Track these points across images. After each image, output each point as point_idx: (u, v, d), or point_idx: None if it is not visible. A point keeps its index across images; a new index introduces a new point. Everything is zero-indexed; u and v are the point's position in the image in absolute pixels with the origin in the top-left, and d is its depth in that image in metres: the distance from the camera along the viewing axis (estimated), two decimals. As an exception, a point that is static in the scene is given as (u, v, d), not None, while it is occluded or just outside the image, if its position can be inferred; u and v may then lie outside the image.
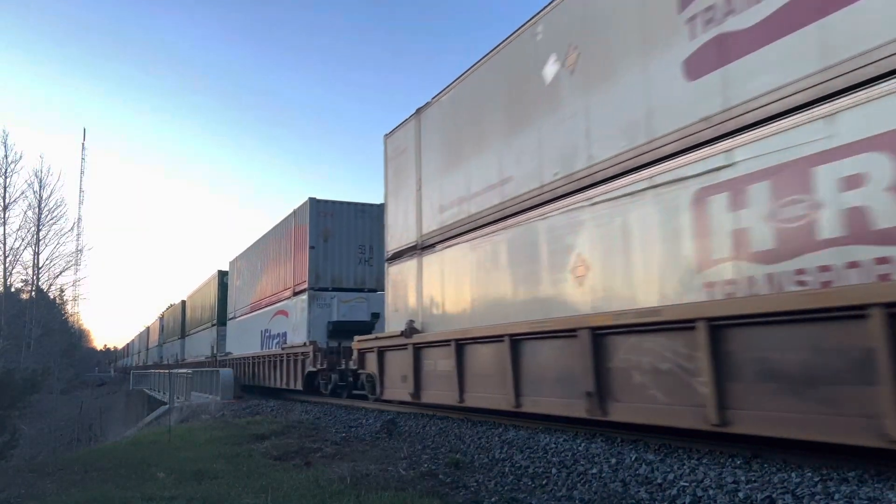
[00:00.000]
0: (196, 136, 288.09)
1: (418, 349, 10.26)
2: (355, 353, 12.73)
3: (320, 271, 16.66)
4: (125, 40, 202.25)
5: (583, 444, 6.76)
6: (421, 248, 10.69)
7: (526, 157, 8.05)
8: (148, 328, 62.26)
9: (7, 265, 40.09)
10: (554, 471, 6.09)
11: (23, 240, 41.46)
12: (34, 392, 18.75)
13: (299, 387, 16.43)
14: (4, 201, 39.40)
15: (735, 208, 5.37)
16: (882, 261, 4.36)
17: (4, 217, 39.61)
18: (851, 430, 4.41)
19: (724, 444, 5.91)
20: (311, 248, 16.60)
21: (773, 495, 4.42)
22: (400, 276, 11.45)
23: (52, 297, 52.31)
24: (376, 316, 16.73)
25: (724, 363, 5.28)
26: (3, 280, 40.08)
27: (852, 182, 4.55)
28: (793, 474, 4.76)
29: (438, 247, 10.16)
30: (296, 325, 17.33)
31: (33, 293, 44.71)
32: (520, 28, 8.34)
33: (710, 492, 4.76)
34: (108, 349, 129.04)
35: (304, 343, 15.88)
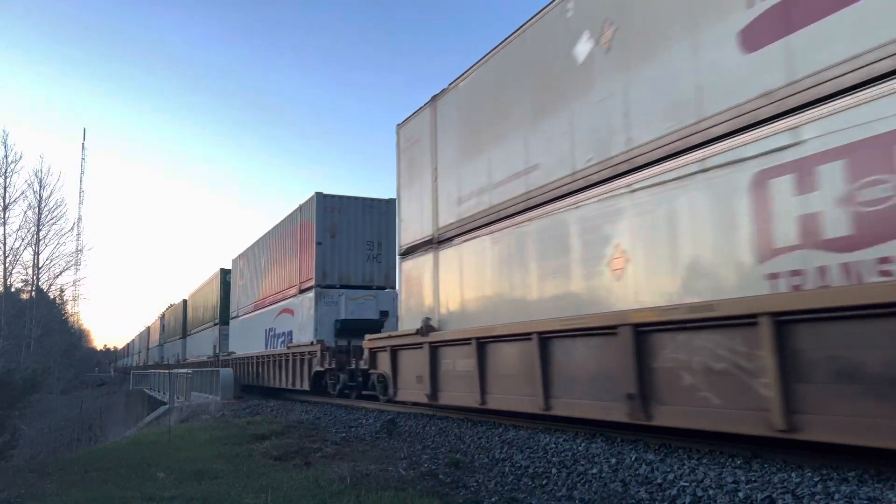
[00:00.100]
0: (196, 135, 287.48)
1: (435, 348, 9.75)
2: (366, 353, 12.21)
3: (327, 268, 16.14)
4: (125, 40, 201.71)
5: (583, 444, 6.69)
6: (437, 242, 10.17)
7: (555, 143, 7.53)
8: (148, 328, 61.78)
9: (7, 265, 39.85)
10: (554, 471, 6.05)
11: (23, 240, 41.24)
12: (34, 392, 18.73)
13: (306, 387, 15.92)
14: (4, 201, 39.13)
15: (803, 191, 4.85)
16: None
17: (4, 217, 39.35)
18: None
19: (724, 444, 5.83)
20: (318, 244, 16.09)
21: (773, 495, 4.39)
22: (414, 272, 10.94)
23: (52, 297, 52.03)
24: (385, 314, 16.23)
25: (792, 362, 4.76)
26: (3, 280, 39.83)
27: (948, 158, 4.04)
28: (793, 474, 4.72)
29: (456, 240, 9.65)
30: (302, 323, 16.81)
31: (33, 293, 44.42)
32: (547, 6, 7.82)
33: (710, 492, 4.73)
34: (109, 349, 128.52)
35: (311, 342, 15.36)
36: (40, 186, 42.00)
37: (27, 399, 17.06)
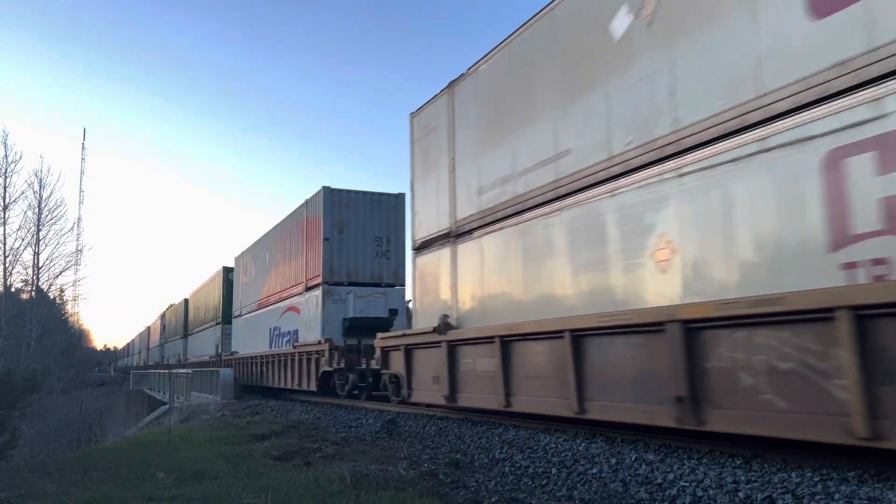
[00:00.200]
0: (197, 135, 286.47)
1: (454, 347, 9.23)
2: (378, 352, 11.69)
3: (335, 265, 15.62)
4: (125, 40, 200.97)
5: (583, 444, 6.64)
6: (455, 236, 9.65)
7: (589, 127, 7.01)
8: (149, 328, 61.30)
9: (7, 265, 39.70)
10: (554, 471, 6.02)
11: (23, 240, 41.14)
12: (34, 392, 19.04)
13: (313, 388, 15.40)
14: (4, 201, 38.97)
15: (887, 170, 4.33)
16: None
17: (4, 217, 39.17)
18: None
19: (724, 444, 5.76)
20: (326, 240, 15.56)
21: (773, 495, 4.38)
22: (430, 267, 10.42)
23: (52, 297, 51.86)
24: (395, 312, 15.72)
25: (876, 362, 4.24)
26: (3, 280, 39.68)
27: None
28: (793, 474, 4.69)
29: (476, 233, 9.12)
30: (308, 322, 16.29)
31: (33, 293, 44.23)
32: (578, -20, 7.30)
33: (710, 492, 4.71)
34: (109, 349, 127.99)
35: (319, 341, 14.83)
36: (40, 186, 41.85)
37: (27, 399, 17.21)
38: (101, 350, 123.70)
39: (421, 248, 10.75)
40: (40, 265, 43.00)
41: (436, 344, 9.58)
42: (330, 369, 14.26)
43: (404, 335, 10.78)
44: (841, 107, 4.63)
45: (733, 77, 5.41)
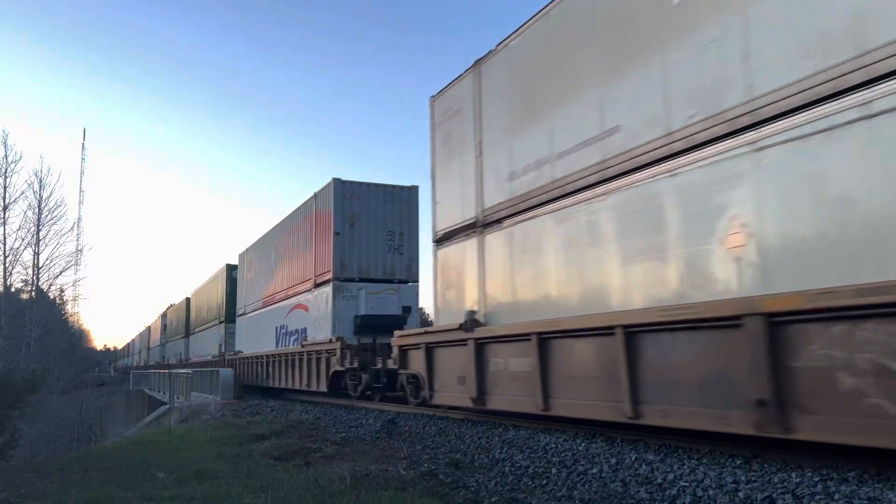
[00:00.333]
0: (197, 134, 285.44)
1: (482, 345, 8.55)
2: (396, 351, 11.01)
3: (346, 260, 14.92)
4: (125, 40, 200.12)
5: (583, 444, 6.61)
6: (482, 226, 8.96)
7: (642, 100, 6.32)
8: (149, 327, 60.66)
9: (7, 265, 39.27)
10: (554, 471, 6.01)
11: (23, 240, 40.64)
12: (34, 392, 18.46)
13: (323, 388, 14.71)
14: (4, 201, 38.46)
15: None
16: None
17: (4, 217, 38.67)
18: None
19: (724, 444, 5.70)
20: (336, 234, 14.85)
21: (773, 495, 4.36)
22: (453, 260, 9.73)
23: (52, 297, 51.41)
24: (408, 310, 15.02)
25: None
26: (3, 280, 39.30)
27: None
28: (793, 474, 4.67)
29: (507, 222, 8.44)
30: (317, 319, 15.60)
31: (33, 293, 43.85)
32: (627, -60, 6.61)
33: (710, 492, 4.69)
34: (109, 349, 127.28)
35: (330, 339, 14.13)
36: (40, 186, 41.33)
37: (27, 399, 16.79)
38: (101, 350, 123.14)
39: (442, 239, 10.06)
40: (40, 265, 42.55)
41: (461, 342, 8.90)
42: (341, 369, 13.56)
43: (426, 333, 10.09)
44: (970, 61, 3.95)
45: (825, 35, 4.73)
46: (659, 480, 5.16)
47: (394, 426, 9.58)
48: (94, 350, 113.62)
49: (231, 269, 26.86)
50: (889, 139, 4.33)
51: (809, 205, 4.80)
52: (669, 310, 5.68)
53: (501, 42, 8.73)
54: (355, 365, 13.05)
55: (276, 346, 18.84)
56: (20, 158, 55.39)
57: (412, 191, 15.75)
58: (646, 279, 6.21)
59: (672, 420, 5.75)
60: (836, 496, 4.13)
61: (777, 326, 4.81)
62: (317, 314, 15.66)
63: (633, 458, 5.78)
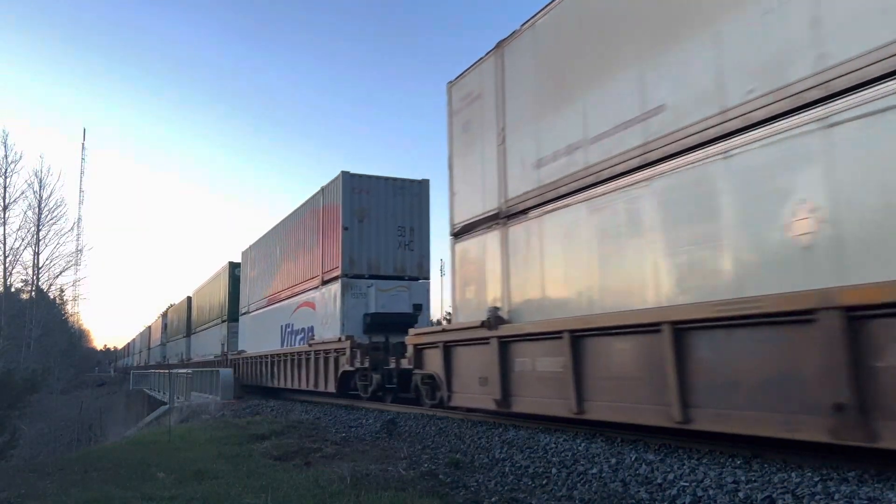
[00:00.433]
0: (197, 134, 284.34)
1: (506, 343, 8.04)
2: (410, 350, 10.50)
3: (355, 256, 14.40)
4: (125, 40, 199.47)
5: (583, 444, 6.58)
6: (506, 217, 8.45)
7: (691, 75, 5.81)
8: (149, 327, 60.22)
9: (7, 265, 39.04)
10: (554, 471, 6.00)
11: (23, 240, 40.40)
12: (34, 392, 18.32)
13: (331, 389, 14.19)
14: (4, 201, 38.17)
15: None
16: None
17: (4, 217, 38.40)
18: None
19: (724, 444, 5.68)
20: (345, 229, 14.34)
21: (773, 495, 4.34)
22: (472, 254, 9.22)
23: (52, 297, 51.10)
24: (419, 308, 14.52)
25: None
26: (3, 280, 39.09)
27: None
28: (793, 474, 4.65)
29: (533, 213, 7.93)
30: (325, 317, 15.09)
31: (33, 293, 43.60)
32: None
33: (710, 492, 4.68)
34: (109, 349, 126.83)
35: (339, 338, 13.62)
36: (40, 186, 41.00)
37: (27, 399, 16.64)
38: (101, 350, 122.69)
39: (461, 233, 9.54)
40: (40, 265, 42.24)
41: (484, 341, 8.39)
42: (351, 369, 13.05)
43: (444, 331, 9.59)
44: None
45: (914, -6, 4.21)
46: (659, 480, 5.14)
47: (394, 426, 9.43)
48: (94, 350, 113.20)
49: (234, 268, 26.34)
50: None
51: (893, 186, 4.28)
52: (727, 304, 5.16)
53: (526, 21, 8.21)
54: (366, 365, 12.53)
55: (282, 345, 18.33)
56: (20, 158, 55.02)
57: (423, 185, 15.24)
58: (695, 272, 5.70)
59: (729, 425, 5.23)
60: (836, 496, 4.10)
61: (857, 321, 4.30)
62: (324, 312, 15.15)
63: (633, 458, 5.76)
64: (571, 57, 7.37)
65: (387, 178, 15.01)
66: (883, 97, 4.37)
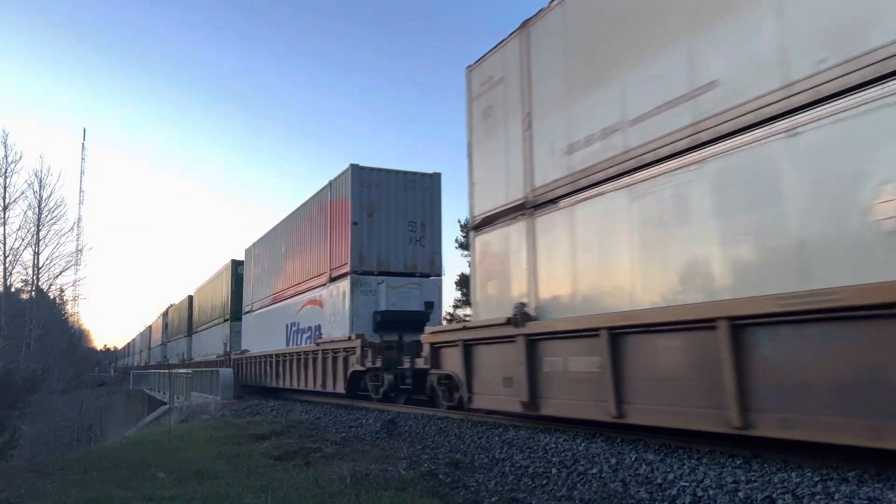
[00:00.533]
0: (196, 134, 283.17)
1: (534, 342, 7.53)
2: (427, 349, 10.00)
3: (364, 252, 13.90)
4: (125, 40, 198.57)
5: (583, 444, 6.57)
6: (533, 207, 7.94)
7: (748, 48, 5.29)
8: (150, 327, 59.72)
9: (7, 265, 38.86)
10: (554, 471, 5.99)
11: (23, 240, 40.25)
12: (34, 392, 18.22)
13: (340, 389, 13.69)
14: (4, 201, 38.00)
15: None
16: None
17: (4, 217, 38.24)
18: None
19: (723, 444, 5.68)
20: (354, 224, 13.83)
21: (773, 495, 4.32)
22: (495, 247, 8.71)
23: (52, 297, 50.88)
24: (430, 305, 14.00)
25: None
26: (3, 280, 38.93)
27: None
28: (793, 474, 4.63)
29: (564, 202, 7.41)
30: (333, 316, 14.57)
31: (33, 293, 43.43)
32: None
33: (710, 492, 4.66)
34: (109, 349, 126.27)
35: (349, 337, 13.11)
36: (40, 186, 40.79)
37: (27, 399, 16.51)
38: (101, 350, 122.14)
39: (482, 224, 9.03)
40: (40, 265, 42.01)
41: (509, 339, 7.88)
42: (362, 369, 12.54)
43: (464, 329, 9.08)
44: None
45: None
46: (659, 480, 5.13)
47: (394, 426, 9.36)
48: (94, 350, 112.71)
49: (236, 265, 25.84)
50: None
51: None
52: (795, 298, 4.64)
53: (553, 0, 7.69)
54: (377, 364, 12.03)
55: (287, 344, 17.82)
56: (20, 158, 54.74)
57: (434, 178, 14.73)
58: (754, 262, 5.19)
59: (798, 431, 4.72)
60: (836, 496, 4.08)
61: (962, 315, 3.79)
62: (333, 310, 14.64)
63: (633, 458, 5.75)
64: (608, 34, 6.86)
65: (397, 172, 14.50)
66: None
